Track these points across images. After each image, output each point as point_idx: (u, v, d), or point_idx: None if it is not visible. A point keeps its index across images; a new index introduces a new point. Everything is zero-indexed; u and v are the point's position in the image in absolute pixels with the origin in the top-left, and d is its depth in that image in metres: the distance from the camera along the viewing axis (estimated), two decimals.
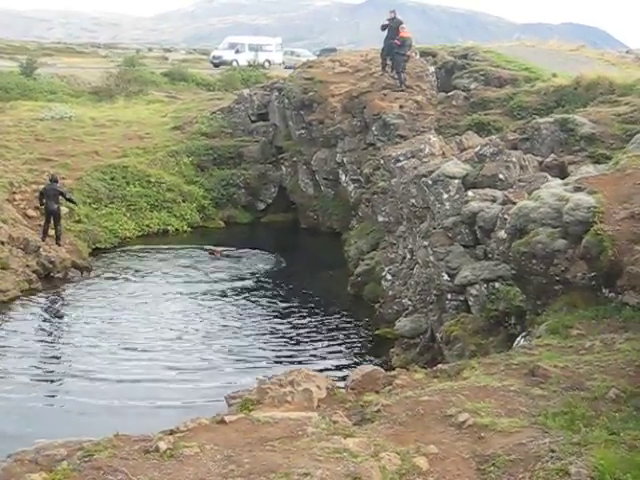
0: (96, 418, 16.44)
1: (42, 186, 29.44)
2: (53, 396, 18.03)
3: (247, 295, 25.81)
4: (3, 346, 20.82)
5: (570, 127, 24.26)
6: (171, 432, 8.59)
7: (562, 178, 17.47)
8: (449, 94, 33.78)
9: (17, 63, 55.94)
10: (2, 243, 26.12)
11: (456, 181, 20.10)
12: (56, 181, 28.49)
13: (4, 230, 26.62)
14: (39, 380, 18.81)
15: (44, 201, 28.03)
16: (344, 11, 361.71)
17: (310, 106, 35.78)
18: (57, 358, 20.33)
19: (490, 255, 17.94)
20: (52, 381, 18.89)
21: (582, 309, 12.73)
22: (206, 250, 30.91)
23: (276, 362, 19.97)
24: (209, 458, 7.72)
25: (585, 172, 16.47)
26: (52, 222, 27.97)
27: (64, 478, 7.25)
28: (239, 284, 27.00)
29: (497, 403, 9.01)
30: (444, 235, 19.54)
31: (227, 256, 30.58)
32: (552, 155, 21.75)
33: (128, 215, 33.19)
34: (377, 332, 22.36)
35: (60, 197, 28.04)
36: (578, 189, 14.42)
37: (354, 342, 21.98)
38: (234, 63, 68.41)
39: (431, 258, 19.77)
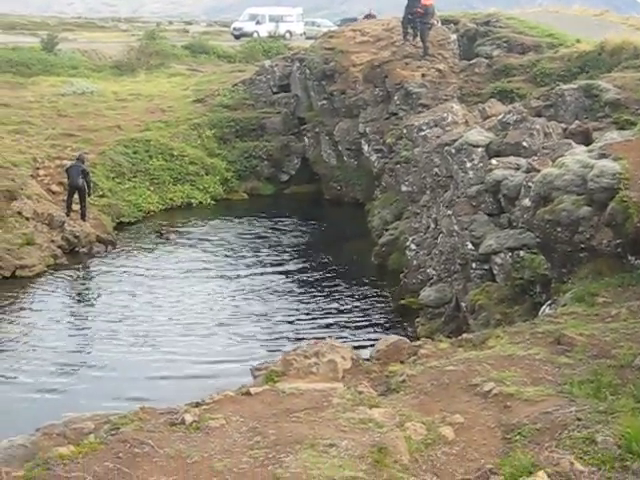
0: (122, 393, 16.55)
1: (66, 162, 29.61)
2: (78, 371, 18.11)
3: (271, 267, 25.84)
4: (29, 321, 20.99)
5: (594, 93, 24.03)
6: (197, 404, 8.63)
7: (586, 145, 17.32)
8: (471, 62, 33.51)
9: (38, 39, 55.96)
10: (27, 219, 26.27)
11: (479, 149, 19.99)
12: (82, 162, 28.52)
13: (29, 206, 26.77)
14: (64, 355, 18.93)
15: (68, 179, 28.10)
16: None
17: (332, 76, 35.63)
18: (82, 333, 20.45)
19: (514, 223, 17.85)
20: (77, 357, 18.99)
21: (608, 277, 12.65)
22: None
23: (301, 333, 20.00)
24: (235, 430, 7.75)
25: (610, 138, 16.32)
26: (77, 197, 28.03)
27: (91, 451, 7.29)
28: (263, 257, 27.05)
29: (523, 372, 8.99)
30: (468, 204, 19.46)
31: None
32: (576, 122, 21.58)
33: (151, 189, 33.22)
34: (402, 302, 22.32)
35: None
36: (603, 156, 14.30)
37: (379, 312, 21.98)
38: (255, 34, 68.10)
39: (455, 227, 19.71)
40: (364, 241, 27.82)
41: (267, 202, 35.43)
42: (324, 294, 23.29)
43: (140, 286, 23.81)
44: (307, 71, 37.74)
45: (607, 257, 13.10)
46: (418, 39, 33.91)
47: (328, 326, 20.69)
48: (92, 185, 28.66)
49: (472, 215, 19.20)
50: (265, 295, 23.19)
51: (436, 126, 23.96)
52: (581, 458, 6.85)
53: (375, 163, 32.53)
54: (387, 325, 20.99)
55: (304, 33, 73.51)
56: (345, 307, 22.24)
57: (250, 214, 32.90)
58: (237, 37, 69.48)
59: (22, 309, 21.84)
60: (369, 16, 48.22)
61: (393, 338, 11.62)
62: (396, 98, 31.99)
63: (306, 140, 37.63)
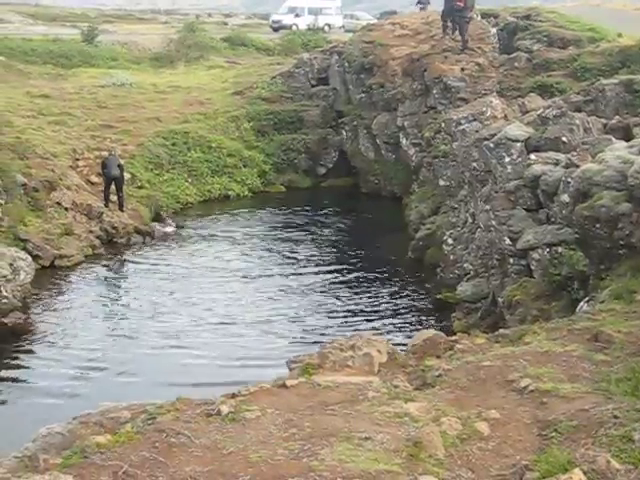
0: (157, 383, 16.63)
1: (105, 153, 29.86)
2: (114, 361, 18.24)
3: (307, 261, 25.87)
4: (67, 311, 21.17)
5: (635, 88, 23.80)
6: (233, 396, 8.66)
7: (627, 140, 17.17)
8: (511, 56, 33.31)
9: (78, 31, 56.34)
10: (66, 209, 26.53)
11: (518, 144, 19.87)
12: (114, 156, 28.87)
13: (68, 196, 27.01)
14: (102, 344, 19.08)
15: (105, 170, 28.34)
16: None
17: (370, 70, 35.61)
18: (119, 324, 20.58)
19: (553, 219, 17.73)
20: (115, 345, 19.13)
21: None
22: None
23: (337, 326, 20.02)
24: (270, 422, 7.77)
25: None
26: (114, 188, 28.26)
27: (128, 440, 7.36)
28: (299, 250, 27.07)
29: (559, 368, 8.94)
30: (506, 199, 19.34)
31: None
32: (617, 117, 21.39)
33: (189, 181, 33.40)
34: (438, 297, 22.26)
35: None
36: None
37: (415, 307, 21.94)
38: (294, 27, 68.05)
39: (493, 222, 19.60)
40: (401, 235, 27.76)
41: (304, 195, 35.45)
42: (360, 288, 23.28)
43: (176, 279, 23.88)
44: (346, 64, 37.72)
45: None
46: (457, 33, 33.78)
47: (364, 319, 20.69)
48: (124, 177, 28.84)
49: (510, 210, 19.09)
50: (302, 289, 23.20)
51: (475, 120, 23.87)
52: (617, 456, 6.80)
53: (413, 157, 32.47)
54: (423, 319, 20.95)
55: (343, 26, 73.30)
56: (381, 301, 22.22)
57: (287, 207, 32.98)
58: (276, 30, 69.44)
59: (60, 299, 22.06)
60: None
61: (429, 332, 11.61)
62: (435, 92, 31.89)
63: (344, 133, 37.62)
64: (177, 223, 29.54)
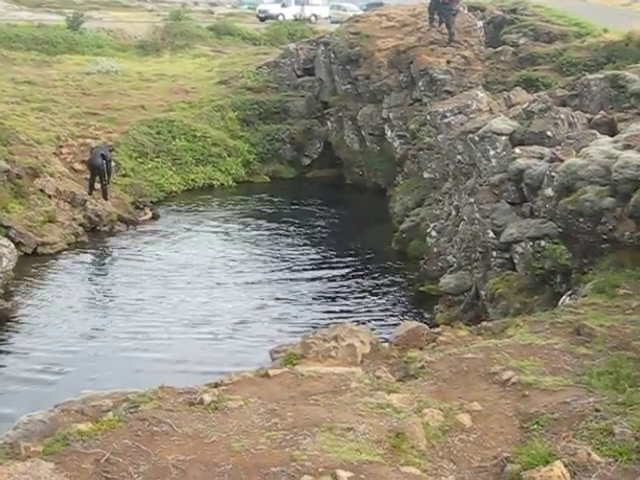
0: (139, 372, 16.61)
1: (90, 140, 29.79)
2: (97, 349, 18.20)
3: (290, 252, 25.85)
4: (48, 299, 21.10)
5: (620, 84, 23.79)
6: (216, 385, 8.65)
7: (611, 135, 17.19)
8: (497, 49, 33.32)
9: (64, 17, 56.02)
10: (49, 196, 26.44)
11: (503, 138, 19.89)
12: (110, 151, 28.76)
13: (51, 183, 26.91)
14: (83, 333, 19.03)
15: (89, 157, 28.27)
16: None
17: (356, 61, 35.56)
18: (102, 312, 20.54)
19: (536, 213, 17.76)
20: (96, 334, 19.08)
21: (629, 268, 12.57)
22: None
23: (320, 317, 20.02)
24: (253, 411, 7.77)
25: (635, 129, 16.17)
26: (98, 177, 28.14)
27: (110, 428, 7.34)
28: (282, 241, 27.06)
29: (541, 361, 8.97)
30: (490, 192, 19.37)
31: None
32: (601, 112, 21.40)
33: (174, 169, 33.34)
34: (421, 289, 22.32)
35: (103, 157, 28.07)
36: (628, 147, 14.20)
37: (398, 298, 21.97)
38: (280, 17, 67.95)
39: (477, 215, 19.63)
40: (385, 227, 27.79)
41: (288, 185, 35.46)
42: (343, 279, 23.29)
43: (160, 265, 23.89)
44: (332, 55, 37.67)
45: (629, 249, 13.01)
46: (444, 25, 33.79)
47: (347, 311, 20.71)
48: (110, 173, 28.61)
49: (494, 203, 19.11)
50: (283, 280, 23.20)
51: (460, 113, 23.85)
52: (598, 449, 6.85)
53: (398, 149, 32.47)
54: (406, 311, 20.99)
55: (329, 17, 73.21)
56: (364, 292, 22.24)
57: (271, 197, 32.96)
58: (262, 19, 69.30)
59: (42, 287, 21.98)
60: None
61: (412, 324, 11.60)
62: (420, 84, 31.90)
63: (329, 124, 37.60)
64: (155, 212, 29.44)
